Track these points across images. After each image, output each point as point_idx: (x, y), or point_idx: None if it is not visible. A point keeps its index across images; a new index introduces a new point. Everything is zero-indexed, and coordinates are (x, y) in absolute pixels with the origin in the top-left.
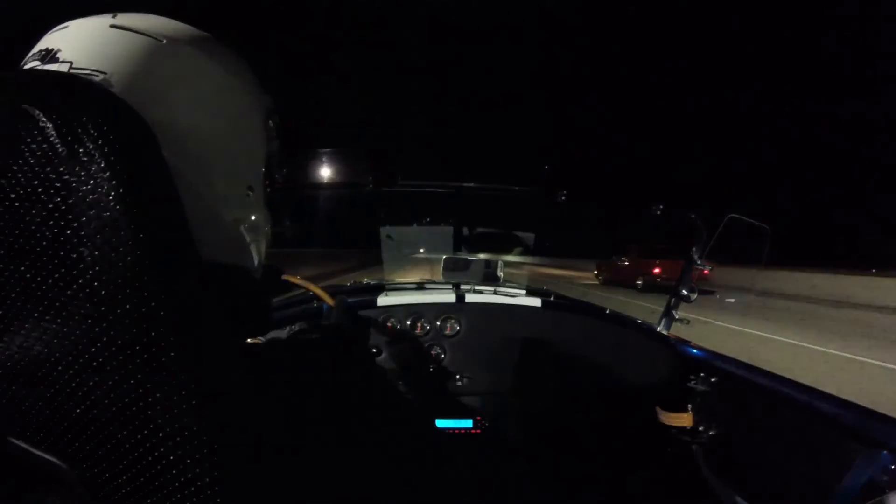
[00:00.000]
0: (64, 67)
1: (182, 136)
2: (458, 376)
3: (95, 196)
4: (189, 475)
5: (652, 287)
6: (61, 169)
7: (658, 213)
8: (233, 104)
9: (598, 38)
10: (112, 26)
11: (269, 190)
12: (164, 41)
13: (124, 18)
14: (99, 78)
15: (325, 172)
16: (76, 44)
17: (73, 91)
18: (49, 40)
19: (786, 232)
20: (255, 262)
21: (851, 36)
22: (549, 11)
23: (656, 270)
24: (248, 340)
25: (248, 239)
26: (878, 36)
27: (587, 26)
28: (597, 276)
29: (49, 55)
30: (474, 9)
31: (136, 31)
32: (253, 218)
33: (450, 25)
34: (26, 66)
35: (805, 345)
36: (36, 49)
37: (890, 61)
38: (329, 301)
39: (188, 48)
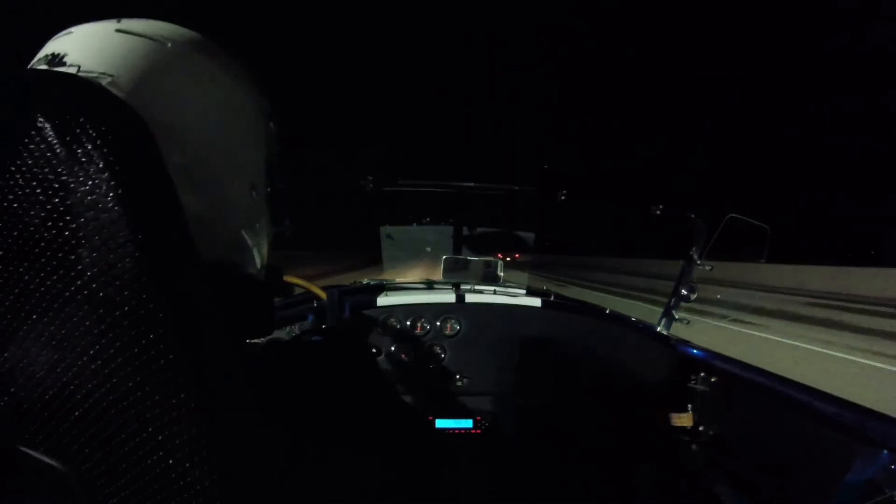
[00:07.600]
0: (72, 70)
1: (185, 138)
2: (458, 376)
3: (94, 197)
4: (189, 478)
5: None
6: (59, 170)
7: (658, 213)
8: (234, 107)
9: (597, 37)
10: (118, 31)
11: (270, 191)
12: (169, 44)
13: (129, 23)
14: (107, 80)
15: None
16: (83, 48)
17: (72, 91)
18: (55, 45)
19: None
20: (258, 263)
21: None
22: (550, 9)
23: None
24: (249, 341)
25: (249, 240)
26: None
27: (586, 24)
28: None
29: (56, 59)
30: (475, 7)
31: (141, 35)
32: (255, 219)
33: (450, 24)
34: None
35: None
36: (42, 54)
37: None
38: (322, 295)
39: (191, 51)
